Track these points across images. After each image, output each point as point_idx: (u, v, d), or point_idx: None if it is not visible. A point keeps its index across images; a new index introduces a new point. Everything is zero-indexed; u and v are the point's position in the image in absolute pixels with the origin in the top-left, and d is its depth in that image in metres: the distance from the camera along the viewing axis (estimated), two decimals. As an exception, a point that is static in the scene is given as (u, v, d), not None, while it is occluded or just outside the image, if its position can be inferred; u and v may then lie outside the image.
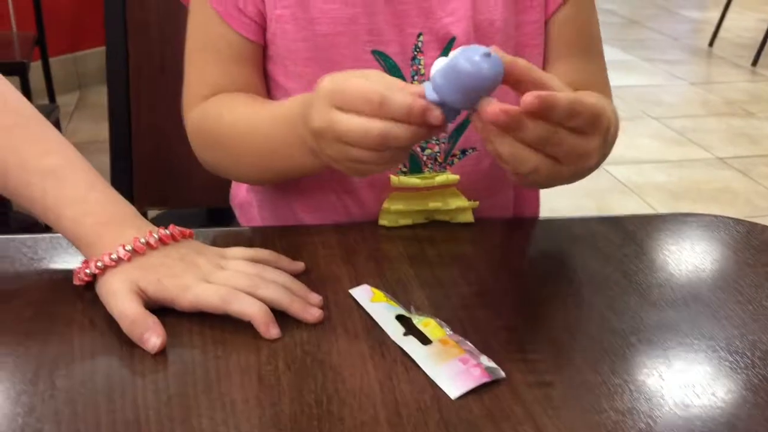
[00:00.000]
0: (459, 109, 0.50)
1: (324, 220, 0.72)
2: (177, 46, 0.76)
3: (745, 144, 2.92)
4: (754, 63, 3.90)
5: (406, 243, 0.65)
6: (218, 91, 0.70)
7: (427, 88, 0.50)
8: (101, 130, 0.81)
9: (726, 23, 4.21)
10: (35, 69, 2.44)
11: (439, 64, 0.49)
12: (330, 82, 0.53)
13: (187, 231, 0.56)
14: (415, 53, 0.68)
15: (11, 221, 1.75)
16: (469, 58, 0.47)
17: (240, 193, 0.81)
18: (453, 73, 0.48)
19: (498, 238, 0.71)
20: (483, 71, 0.47)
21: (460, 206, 0.70)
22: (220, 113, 0.68)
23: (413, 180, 0.68)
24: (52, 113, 1.69)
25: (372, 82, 0.51)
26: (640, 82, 3.56)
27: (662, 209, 2.38)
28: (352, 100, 0.51)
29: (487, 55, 0.48)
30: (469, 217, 0.71)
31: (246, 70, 0.70)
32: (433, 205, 0.69)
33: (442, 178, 0.69)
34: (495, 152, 0.51)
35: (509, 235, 0.72)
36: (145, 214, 1.09)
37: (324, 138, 0.53)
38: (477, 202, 0.71)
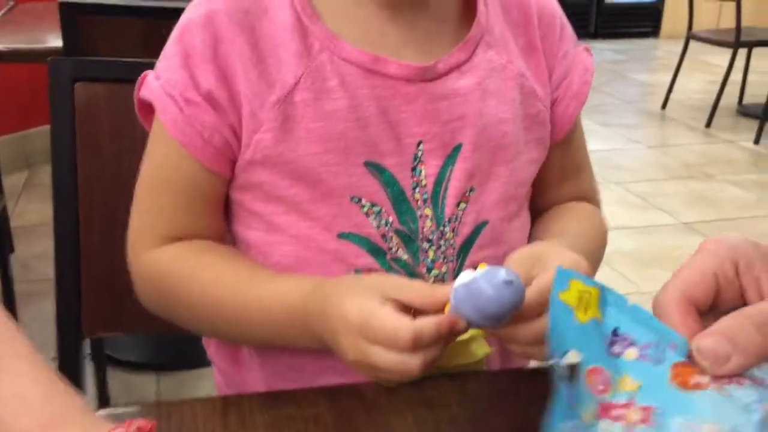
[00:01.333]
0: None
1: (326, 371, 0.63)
2: (130, 162, 0.69)
3: (707, 208, 2.93)
4: (708, 125, 3.98)
5: (417, 415, 0.53)
6: (178, 232, 0.63)
7: (452, 298, 0.50)
8: (51, 212, 0.73)
9: (676, 86, 4.31)
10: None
11: (464, 278, 0.50)
12: (357, 314, 0.52)
13: (148, 426, 0.44)
14: (415, 164, 0.62)
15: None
16: (492, 282, 0.48)
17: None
18: (475, 294, 0.49)
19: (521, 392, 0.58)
20: (503, 298, 0.49)
21: (474, 335, 0.60)
22: (190, 272, 0.62)
23: None
24: (-5, 204, 1.58)
25: (397, 312, 0.51)
26: (598, 147, 3.59)
27: (633, 277, 2.35)
28: (384, 339, 0.51)
29: (510, 282, 0.48)
30: (484, 349, 0.60)
31: (209, 208, 0.64)
32: (460, 361, 0.58)
33: (474, 349, 0.59)
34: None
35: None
36: (99, 342, 1.00)
37: (360, 366, 0.53)
38: (492, 349, 0.61)
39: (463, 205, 0.63)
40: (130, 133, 0.77)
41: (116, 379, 1.82)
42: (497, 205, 0.65)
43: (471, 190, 0.64)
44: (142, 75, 0.64)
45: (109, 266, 0.78)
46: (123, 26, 1.28)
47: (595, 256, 0.68)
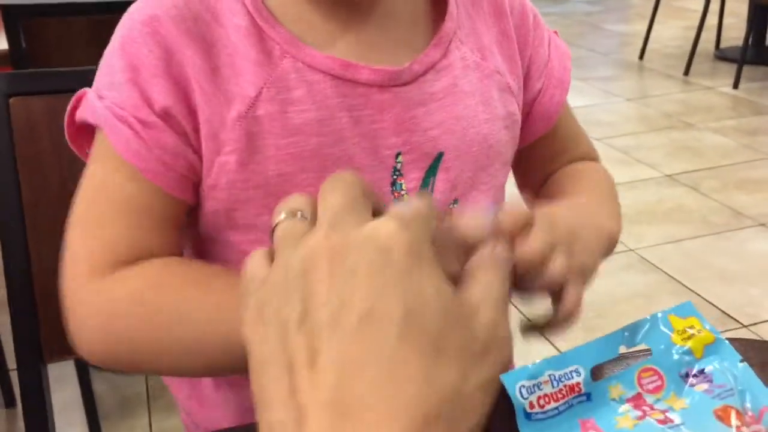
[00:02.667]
0: None
1: None
2: (77, 177, 0.65)
3: (689, 157, 2.91)
4: (686, 72, 3.94)
5: None
6: (130, 259, 0.53)
7: None
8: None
9: (653, 34, 4.26)
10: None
11: None
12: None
13: None
14: (395, 177, 0.57)
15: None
16: None
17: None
18: None
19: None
20: None
21: None
22: (164, 296, 0.52)
23: None
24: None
25: None
26: (577, 103, 3.55)
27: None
28: None
29: None
30: None
31: (166, 229, 0.55)
32: None
33: None
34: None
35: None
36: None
37: None
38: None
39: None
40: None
41: (104, 379, 1.81)
42: None
43: (454, 202, 0.59)
44: (78, 94, 0.57)
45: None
46: (72, 25, 1.23)
47: (617, 206, 0.69)
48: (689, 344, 0.51)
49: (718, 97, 3.60)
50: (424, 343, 0.32)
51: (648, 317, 0.51)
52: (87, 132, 0.57)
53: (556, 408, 0.48)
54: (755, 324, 1.88)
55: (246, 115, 0.53)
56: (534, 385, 0.48)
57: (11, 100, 0.72)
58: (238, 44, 0.54)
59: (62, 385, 1.54)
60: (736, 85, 3.68)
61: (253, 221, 0.56)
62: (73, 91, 0.75)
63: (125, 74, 0.53)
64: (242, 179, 0.54)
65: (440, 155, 0.58)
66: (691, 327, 0.51)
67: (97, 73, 0.56)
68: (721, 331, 0.52)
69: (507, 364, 0.36)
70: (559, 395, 0.48)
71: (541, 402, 0.48)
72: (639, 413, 0.48)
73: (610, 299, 1.96)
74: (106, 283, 0.52)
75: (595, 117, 3.36)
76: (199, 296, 0.52)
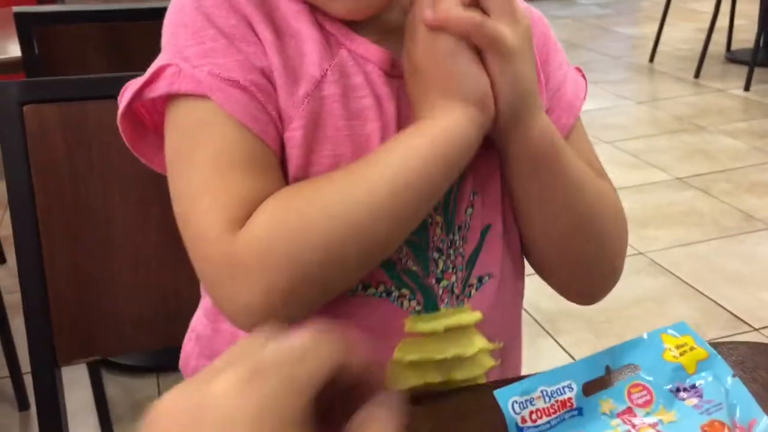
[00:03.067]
0: None
1: None
2: (91, 182, 0.66)
3: (700, 160, 2.90)
4: (697, 75, 3.93)
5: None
6: (258, 204, 0.53)
7: None
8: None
9: (663, 37, 4.25)
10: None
11: None
12: None
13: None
14: None
15: None
16: None
17: (191, 359, 0.69)
18: None
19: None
20: None
21: (482, 348, 0.61)
22: (307, 188, 0.53)
23: (431, 325, 0.59)
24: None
25: None
26: (588, 107, 3.52)
27: (630, 238, 2.32)
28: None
29: None
30: (489, 362, 0.62)
31: (279, 179, 0.56)
32: (453, 351, 0.59)
33: (462, 316, 0.61)
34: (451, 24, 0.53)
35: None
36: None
37: None
38: (501, 343, 0.63)
39: (470, 210, 0.61)
40: (86, 153, 0.75)
41: (116, 383, 1.82)
42: (495, 207, 0.62)
43: (474, 193, 0.61)
44: (155, 69, 0.55)
45: (77, 292, 0.76)
46: (84, 32, 1.25)
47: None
48: (681, 360, 0.52)
49: (729, 100, 3.59)
50: None
51: (639, 337, 0.53)
52: (150, 114, 0.59)
53: (548, 422, 0.49)
54: (766, 327, 1.87)
55: (313, 94, 0.55)
56: (526, 401, 0.49)
57: (25, 108, 0.73)
58: (301, 28, 0.56)
59: (74, 389, 1.56)
60: (747, 88, 3.66)
61: None
62: (83, 99, 0.76)
63: (220, 41, 0.54)
64: (303, 154, 0.55)
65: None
66: (684, 344, 0.52)
67: (172, 45, 0.56)
68: (732, 335, 0.53)
69: None
70: (551, 410, 0.49)
71: (534, 416, 0.49)
72: (629, 427, 0.49)
73: (620, 303, 1.96)
74: (248, 227, 0.52)
75: (605, 120, 3.36)
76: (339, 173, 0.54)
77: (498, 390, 0.49)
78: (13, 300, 2.01)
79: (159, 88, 0.55)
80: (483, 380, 0.63)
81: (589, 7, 5.82)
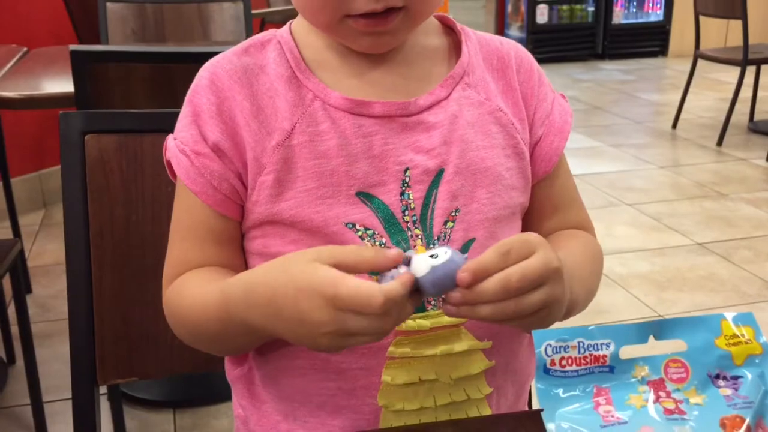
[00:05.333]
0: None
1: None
2: (142, 210, 0.70)
3: (721, 227, 2.91)
4: (719, 143, 3.97)
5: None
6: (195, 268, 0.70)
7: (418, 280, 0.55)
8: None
9: (686, 105, 4.30)
10: (-4, 194, 2.37)
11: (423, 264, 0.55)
12: (324, 286, 0.54)
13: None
14: (403, 189, 0.68)
15: None
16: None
17: (232, 368, 0.76)
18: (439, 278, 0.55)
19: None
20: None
21: (472, 346, 0.68)
22: (180, 291, 0.69)
23: (417, 323, 0.67)
24: (12, 249, 1.60)
25: (363, 277, 0.55)
26: (610, 169, 3.59)
27: (649, 301, 2.34)
28: (358, 305, 0.53)
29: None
30: (483, 361, 0.68)
31: (225, 251, 0.70)
32: (442, 347, 0.67)
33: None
34: (485, 319, 0.57)
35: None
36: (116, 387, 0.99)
37: (335, 335, 0.55)
38: (489, 342, 0.69)
39: (450, 224, 0.69)
40: (140, 182, 0.79)
41: (133, 416, 1.83)
42: (482, 224, 0.69)
43: (456, 210, 0.69)
44: (167, 139, 0.71)
45: (121, 314, 0.79)
46: (133, 71, 1.31)
47: (594, 281, 0.74)
48: (732, 350, 0.53)
49: (751, 169, 3.61)
50: None
51: (699, 316, 0.54)
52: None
53: (576, 371, 0.52)
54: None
55: (283, 144, 0.67)
56: (561, 347, 0.52)
57: (86, 137, 0.78)
58: (279, 89, 0.68)
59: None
60: (769, 158, 3.69)
61: (286, 229, 0.68)
62: (140, 131, 0.81)
63: (189, 118, 0.68)
64: (277, 193, 0.67)
65: (441, 171, 0.69)
66: (743, 335, 0.53)
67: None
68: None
69: None
70: (583, 361, 0.52)
71: (563, 362, 0.51)
72: (653, 397, 0.51)
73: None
74: (167, 290, 0.70)
75: (627, 183, 3.39)
76: (213, 276, 0.68)
77: (536, 330, 0.52)
78: (38, 329, 2.05)
79: (166, 154, 0.70)
80: (481, 380, 0.69)
81: (613, 72, 5.90)
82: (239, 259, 0.71)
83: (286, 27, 0.73)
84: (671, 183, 3.45)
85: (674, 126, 4.31)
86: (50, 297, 2.38)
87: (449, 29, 0.75)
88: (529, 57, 0.77)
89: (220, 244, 0.70)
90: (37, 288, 2.44)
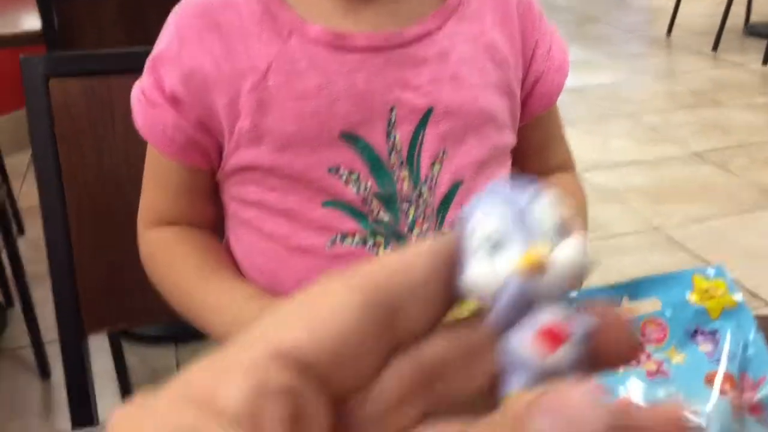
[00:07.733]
0: None
1: None
2: (115, 155, 0.68)
3: (718, 135, 2.88)
4: (715, 48, 3.89)
5: None
6: (170, 218, 0.69)
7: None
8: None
9: (681, 9, 4.20)
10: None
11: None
12: None
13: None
14: (389, 129, 0.65)
15: None
16: None
17: None
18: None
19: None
20: None
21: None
22: (169, 268, 0.68)
23: None
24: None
25: None
26: (605, 80, 3.52)
27: (646, 213, 2.33)
28: None
29: None
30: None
31: (196, 202, 0.69)
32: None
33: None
34: None
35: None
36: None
37: None
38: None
39: (437, 167, 0.66)
40: (110, 127, 0.76)
41: (134, 352, 1.85)
42: (471, 167, 0.67)
43: (444, 152, 0.66)
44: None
45: (103, 262, 0.77)
46: (100, 6, 1.25)
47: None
48: (706, 304, 0.51)
49: (747, 74, 3.55)
50: None
51: (669, 273, 0.52)
52: None
53: None
54: (782, 303, 1.87)
55: (258, 86, 0.62)
56: None
57: (50, 82, 0.74)
58: (251, 27, 0.63)
59: (95, 358, 1.59)
60: (766, 62, 3.62)
61: (267, 176, 0.65)
62: (106, 73, 0.78)
63: (150, 62, 0.65)
64: (256, 137, 0.63)
65: (429, 111, 0.65)
66: (714, 288, 0.52)
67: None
68: (748, 310, 0.53)
69: None
70: None
71: None
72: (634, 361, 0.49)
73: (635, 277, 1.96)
74: (149, 234, 0.70)
75: (622, 94, 3.33)
76: (195, 261, 0.68)
77: None
78: (34, 271, 2.04)
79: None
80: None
81: (606, -21, 5.75)
82: (210, 209, 0.70)
83: None
84: (667, 92, 3.39)
85: (669, 33, 4.22)
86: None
87: None
88: None
89: (189, 193, 0.68)
90: (31, 229, 2.42)
